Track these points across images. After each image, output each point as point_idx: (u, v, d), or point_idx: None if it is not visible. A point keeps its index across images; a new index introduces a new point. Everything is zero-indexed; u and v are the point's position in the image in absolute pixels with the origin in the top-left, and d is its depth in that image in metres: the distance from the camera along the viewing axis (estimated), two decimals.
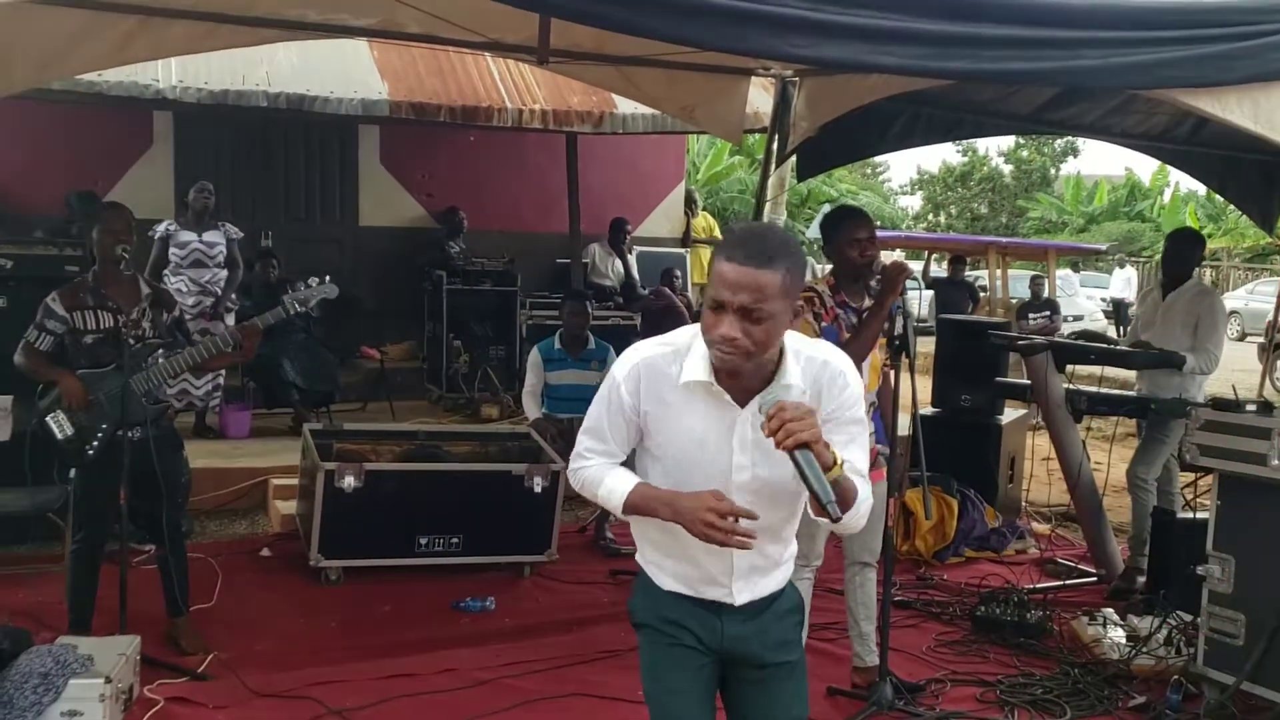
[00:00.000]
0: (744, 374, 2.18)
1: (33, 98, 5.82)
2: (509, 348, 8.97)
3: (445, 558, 5.33)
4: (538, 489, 5.37)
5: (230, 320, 7.10)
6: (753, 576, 2.34)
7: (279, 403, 7.84)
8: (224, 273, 7.34)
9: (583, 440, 2.35)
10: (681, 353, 2.23)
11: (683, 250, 11.40)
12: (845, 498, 2.14)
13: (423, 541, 5.30)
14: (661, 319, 8.83)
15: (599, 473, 2.32)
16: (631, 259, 10.15)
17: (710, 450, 2.23)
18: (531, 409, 6.25)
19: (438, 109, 7.52)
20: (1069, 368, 5.71)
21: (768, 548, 2.32)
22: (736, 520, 2.14)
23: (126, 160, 9.13)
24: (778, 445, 2.03)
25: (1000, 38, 3.26)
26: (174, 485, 4.35)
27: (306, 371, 7.73)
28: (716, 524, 2.12)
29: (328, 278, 4.52)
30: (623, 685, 4.14)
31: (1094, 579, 5.76)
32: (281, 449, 6.90)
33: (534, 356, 6.31)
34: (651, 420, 2.27)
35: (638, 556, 2.46)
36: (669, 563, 2.36)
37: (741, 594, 2.33)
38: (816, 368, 2.24)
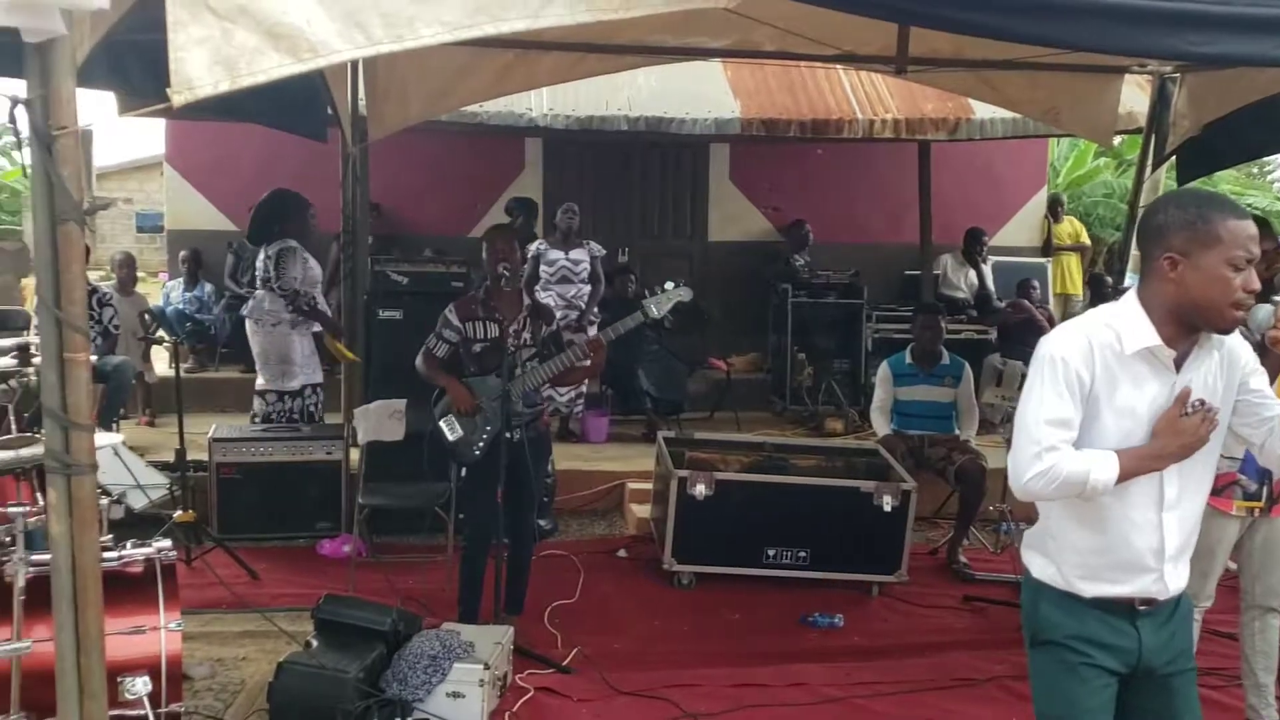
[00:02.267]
0: (1182, 337, 2.27)
1: (422, 129, 6.43)
2: (854, 361, 8.86)
3: (792, 571, 5.35)
4: (887, 507, 5.26)
5: (593, 332, 7.51)
6: (1180, 559, 2.36)
7: (633, 410, 8.20)
8: (587, 288, 7.78)
9: (1048, 434, 2.25)
10: (1113, 326, 2.29)
11: (1043, 259, 10.79)
12: None
13: (770, 553, 5.35)
14: (1019, 332, 8.42)
15: (1079, 460, 2.25)
16: (986, 269, 9.73)
17: (1153, 416, 2.29)
18: (880, 425, 6.15)
19: (788, 124, 7.60)
20: None
21: (1191, 516, 2.37)
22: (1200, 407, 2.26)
23: (501, 184, 9.89)
24: None
25: None
26: (538, 487, 4.65)
27: (658, 381, 8.06)
28: (1193, 420, 2.24)
29: (681, 281, 4.68)
30: (980, 716, 3.98)
31: None
32: (637, 454, 7.21)
33: (883, 371, 6.20)
34: (1102, 394, 2.27)
35: (1040, 574, 2.41)
36: (1096, 559, 2.33)
37: (1172, 579, 2.34)
38: None
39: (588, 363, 4.59)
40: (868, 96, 7.84)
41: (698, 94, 7.70)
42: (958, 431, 6.06)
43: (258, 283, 6.46)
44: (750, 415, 8.64)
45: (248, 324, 6.43)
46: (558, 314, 7.52)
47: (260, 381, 6.40)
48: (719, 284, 10.12)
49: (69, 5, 2.07)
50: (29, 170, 2.27)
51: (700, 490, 5.25)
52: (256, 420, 6.41)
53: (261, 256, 6.39)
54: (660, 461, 5.77)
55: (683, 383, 8.36)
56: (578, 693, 4.12)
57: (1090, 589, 2.33)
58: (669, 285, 4.63)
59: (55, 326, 2.27)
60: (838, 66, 7.44)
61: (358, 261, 6.65)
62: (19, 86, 2.31)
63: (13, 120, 2.27)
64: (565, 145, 9.66)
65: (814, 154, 10.00)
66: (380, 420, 5.36)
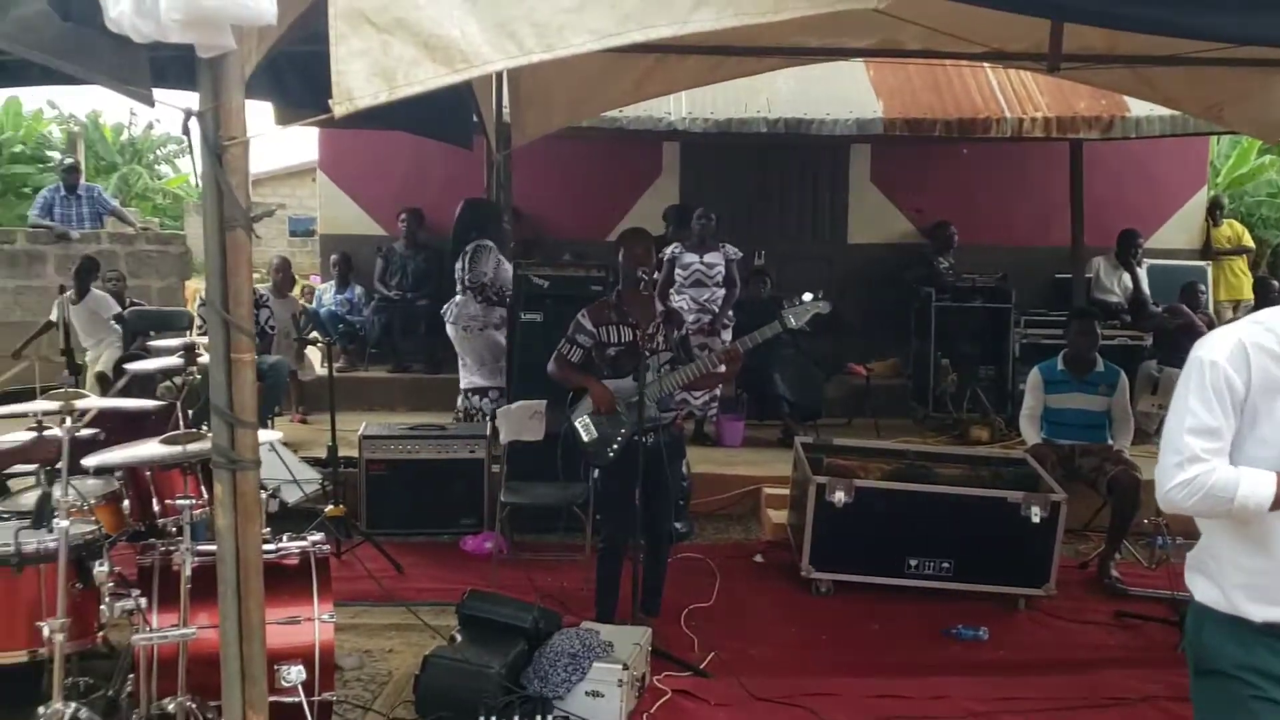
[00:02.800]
0: None
1: (561, 134, 6.51)
2: (1000, 367, 8.59)
3: (935, 582, 5.23)
4: (1036, 519, 5.09)
5: (727, 336, 7.48)
6: None
7: (769, 414, 8.14)
8: (721, 291, 7.73)
9: (1193, 443, 2.15)
10: (1274, 328, 2.14)
11: (1203, 263, 10.28)
12: None
13: (912, 563, 5.24)
14: (1177, 339, 8.04)
15: (1230, 474, 2.13)
16: (1141, 273, 9.31)
17: None
18: (1029, 433, 5.96)
19: (933, 124, 7.46)
20: None
21: None
22: None
23: (639, 188, 9.95)
24: None
25: None
26: (674, 490, 4.65)
27: (795, 386, 7.97)
28: None
29: (821, 293, 4.61)
30: None
31: None
32: (772, 459, 7.15)
33: (1034, 377, 6.00)
34: (1260, 401, 2.13)
35: (1203, 597, 2.27)
36: (1266, 579, 2.18)
37: None
38: None
39: (723, 369, 4.58)
40: (1016, 94, 7.62)
41: (838, 94, 7.61)
42: (1111, 441, 5.82)
43: (457, 286, 6.91)
44: (890, 422, 8.46)
45: (451, 329, 6.92)
46: (690, 318, 7.57)
47: (477, 380, 6.90)
48: (858, 287, 9.93)
49: (239, 21, 2.16)
50: (199, 179, 2.39)
51: (839, 497, 5.18)
52: (485, 412, 7.04)
53: (460, 259, 6.98)
54: (798, 467, 5.71)
55: (820, 388, 8.25)
56: (715, 697, 4.10)
57: (1260, 613, 2.17)
58: (807, 297, 4.56)
59: (223, 328, 2.38)
60: (984, 65, 7.25)
61: None
62: (188, 99, 2.44)
63: (186, 131, 2.40)
64: (703, 148, 9.65)
65: (959, 154, 9.75)
66: (521, 421, 5.46)
